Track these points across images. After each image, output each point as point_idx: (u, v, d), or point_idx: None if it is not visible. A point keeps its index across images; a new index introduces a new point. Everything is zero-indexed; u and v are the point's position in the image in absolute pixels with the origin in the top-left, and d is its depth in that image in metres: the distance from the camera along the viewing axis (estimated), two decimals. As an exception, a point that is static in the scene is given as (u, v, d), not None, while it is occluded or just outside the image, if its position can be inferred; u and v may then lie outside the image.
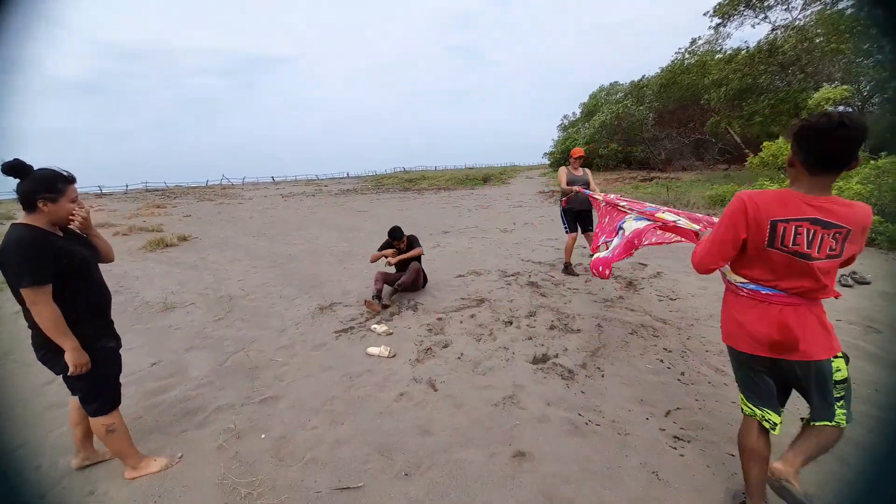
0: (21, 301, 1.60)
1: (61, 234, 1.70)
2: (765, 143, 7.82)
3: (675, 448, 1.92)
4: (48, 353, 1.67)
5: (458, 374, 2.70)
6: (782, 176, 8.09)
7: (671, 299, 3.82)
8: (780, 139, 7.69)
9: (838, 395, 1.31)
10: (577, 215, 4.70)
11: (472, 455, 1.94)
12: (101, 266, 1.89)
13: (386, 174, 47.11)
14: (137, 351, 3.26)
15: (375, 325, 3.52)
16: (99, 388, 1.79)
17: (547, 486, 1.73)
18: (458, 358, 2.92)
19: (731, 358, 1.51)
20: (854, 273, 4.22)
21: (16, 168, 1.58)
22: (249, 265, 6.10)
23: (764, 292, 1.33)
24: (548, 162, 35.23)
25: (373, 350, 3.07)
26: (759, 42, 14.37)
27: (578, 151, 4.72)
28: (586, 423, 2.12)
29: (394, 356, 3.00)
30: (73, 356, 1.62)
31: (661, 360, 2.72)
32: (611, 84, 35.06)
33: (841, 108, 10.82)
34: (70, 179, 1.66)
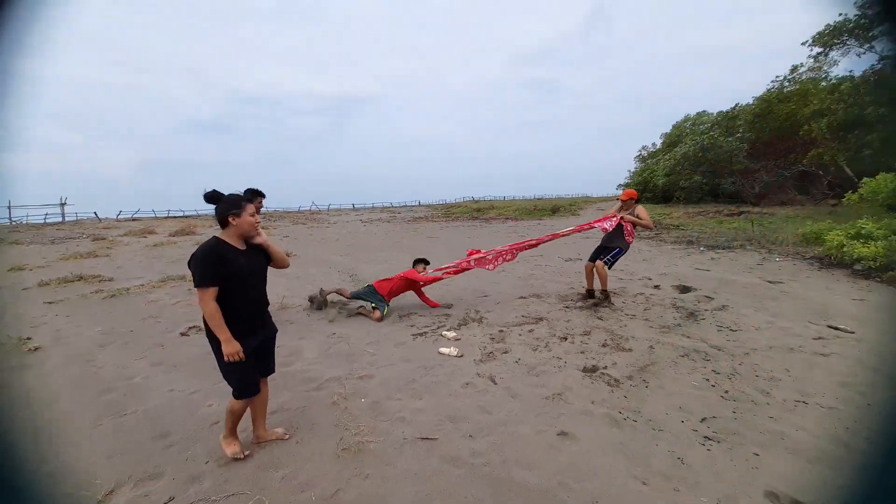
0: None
1: (242, 249, 2.09)
2: (864, 179, 7.17)
3: (703, 445, 2.20)
4: (211, 343, 2.04)
5: (514, 374, 3.18)
6: (886, 213, 7.30)
7: (731, 330, 3.89)
8: (882, 175, 7.02)
9: None
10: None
11: (523, 430, 2.41)
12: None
13: (455, 203, 48.93)
14: (267, 335, 4.25)
15: (446, 332, 4.14)
16: (237, 377, 2.09)
17: (582, 456, 2.14)
18: (516, 362, 3.40)
19: None
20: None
21: (214, 197, 2.04)
22: (339, 279, 7.18)
23: None
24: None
25: (444, 350, 3.68)
26: (863, 72, 13.09)
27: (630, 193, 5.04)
28: (625, 419, 2.47)
29: (461, 356, 3.57)
30: (226, 347, 1.95)
31: (707, 380, 2.93)
32: (697, 114, 33.37)
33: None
34: (249, 199, 2.07)
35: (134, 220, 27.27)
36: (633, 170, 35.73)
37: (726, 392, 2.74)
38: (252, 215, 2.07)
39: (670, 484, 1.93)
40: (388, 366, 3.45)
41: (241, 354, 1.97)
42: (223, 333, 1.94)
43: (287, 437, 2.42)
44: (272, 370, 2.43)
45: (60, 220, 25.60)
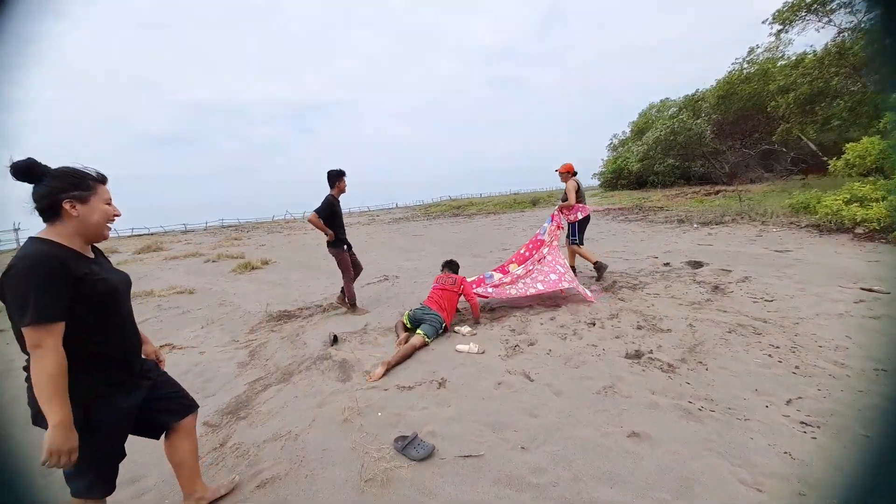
0: (22, 343, 1.14)
1: (91, 256, 1.32)
2: (848, 145, 7.20)
3: (804, 432, 1.84)
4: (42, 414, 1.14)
5: (550, 368, 2.76)
6: (871, 179, 7.35)
7: (766, 300, 3.62)
8: (865, 139, 7.06)
9: None
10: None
11: (585, 433, 1.99)
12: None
13: (433, 203, 48.44)
14: (243, 351, 3.68)
15: (459, 327, 3.68)
16: (97, 462, 1.28)
17: (672, 460, 1.74)
18: (548, 353, 2.98)
19: None
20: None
21: (30, 169, 1.18)
22: (328, 282, 6.59)
23: None
24: (598, 182, 34.44)
25: (462, 347, 3.22)
26: (825, 45, 13.48)
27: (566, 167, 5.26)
28: (699, 409, 2.09)
29: (483, 353, 3.12)
30: (56, 434, 1.10)
31: (770, 356, 2.60)
32: (661, 101, 34.18)
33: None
34: (101, 179, 1.31)
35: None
36: (605, 158, 36.23)
37: (797, 368, 2.42)
38: (107, 203, 1.31)
39: (789, 486, 1.55)
40: (402, 370, 2.96)
41: (75, 455, 1.14)
42: (61, 410, 1.11)
43: (236, 480, 1.86)
44: (194, 406, 1.68)
45: (15, 245, 23.63)
